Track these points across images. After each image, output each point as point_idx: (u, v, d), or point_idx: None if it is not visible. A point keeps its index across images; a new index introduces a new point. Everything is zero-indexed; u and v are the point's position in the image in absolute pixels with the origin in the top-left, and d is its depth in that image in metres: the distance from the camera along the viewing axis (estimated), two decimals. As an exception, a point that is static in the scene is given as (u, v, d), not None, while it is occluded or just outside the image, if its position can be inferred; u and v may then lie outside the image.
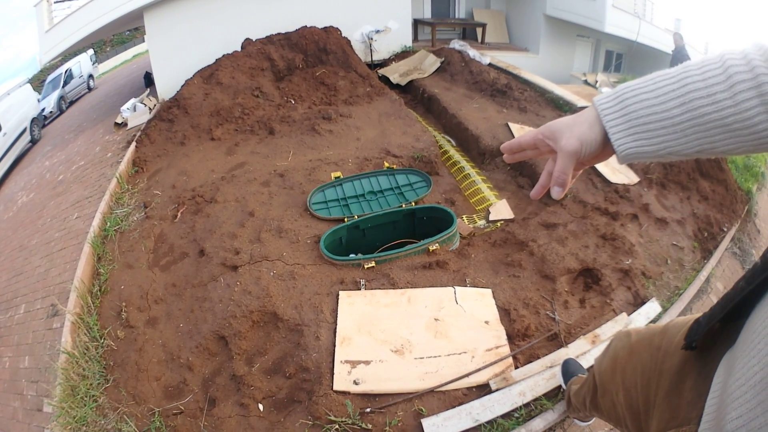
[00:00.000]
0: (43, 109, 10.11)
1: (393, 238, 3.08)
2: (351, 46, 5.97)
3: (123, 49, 18.41)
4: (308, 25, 5.83)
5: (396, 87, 5.95)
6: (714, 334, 0.74)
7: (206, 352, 2.36)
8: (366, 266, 2.66)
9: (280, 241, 2.92)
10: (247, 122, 4.77)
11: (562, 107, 4.81)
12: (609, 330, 2.27)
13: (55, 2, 7.04)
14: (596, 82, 7.41)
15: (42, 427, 2.46)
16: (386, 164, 3.68)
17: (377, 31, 6.48)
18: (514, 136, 4.05)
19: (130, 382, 2.31)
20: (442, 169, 3.99)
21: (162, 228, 3.43)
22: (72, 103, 11.49)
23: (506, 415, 1.96)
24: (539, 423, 1.93)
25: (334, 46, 5.67)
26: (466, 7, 8.82)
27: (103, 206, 3.86)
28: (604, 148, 0.64)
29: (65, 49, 6.73)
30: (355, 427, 1.89)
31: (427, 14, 8.59)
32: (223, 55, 5.52)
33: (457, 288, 2.48)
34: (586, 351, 2.17)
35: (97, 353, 2.49)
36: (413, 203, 3.25)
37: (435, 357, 2.13)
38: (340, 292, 2.48)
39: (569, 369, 1.99)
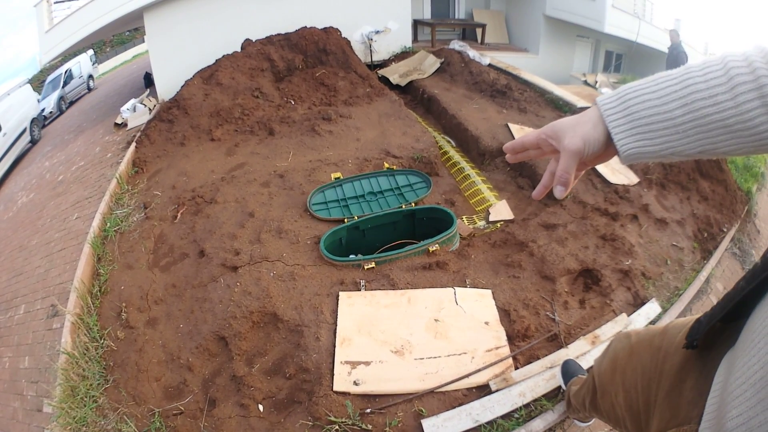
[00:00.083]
0: (43, 110, 10.11)
1: (393, 238, 3.08)
2: (351, 47, 5.97)
3: (123, 49, 18.42)
4: (308, 26, 5.83)
5: (396, 88, 5.95)
6: (715, 334, 0.74)
7: (206, 352, 2.36)
8: (366, 267, 2.67)
9: (280, 241, 2.93)
10: (247, 123, 4.77)
11: (562, 108, 4.81)
12: (609, 331, 2.27)
13: (55, 2, 7.04)
14: (596, 82, 7.41)
15: (42, 427, 2.46)
16: (386, 165, 3.68)
17: (377, 32, 6.48)
18: (513, 137, 4.06)
19: (130, 382, 2.31)
20: (442, 169, 3.99)
21: (162, 228, 3.43)
22: (72, 103, 11.49)
23: (506, 416, 1.96)
24: (539, 423, 1.93)
25: (333, 47, 5.67)
26: (466, 8, 8.83)
27: (103, 207, 3.86)
28: (607, 148, 0.65)
29: (65, 49, 6.73)
30: (355, 427, 1.89)
31: (427, 15, 8.59)
32: (223, 56, 5.52)
33: (457, 289, 2.48)
34: (586, 352, 2.17)
35: (97, 354, 2.49)
36: (413, 204, 3.26)
37: (435, 358, 2.13)
38: (340, 293, 2.48)
39: (569, 370, 1.99)
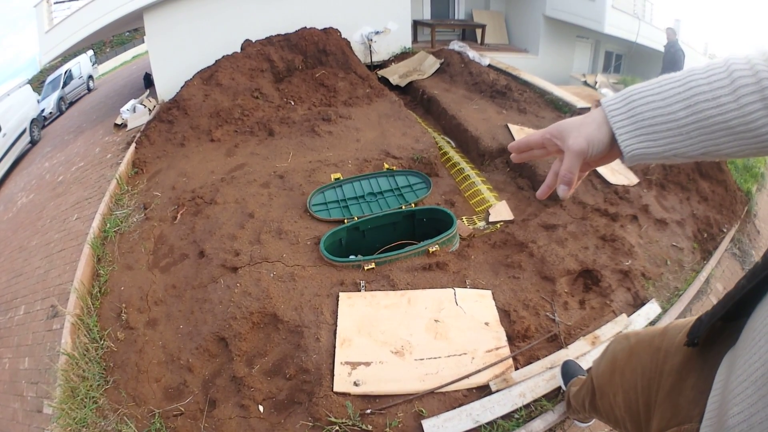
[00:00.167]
0: (42, 110, 10.10)
1: (393, 239, 3.08)
2: (350, 48, 5.98)
3: (123, 50, 18.40)
4: (308, 26, 5.84)
5: (395, 88, 5.95)
6: (715, 333, 0.75)
7: (206, 353, 2.36)
8: (366, 268, 2.67)
9: (280, 242, 2.93)
10: (247, 123, 4.77)
11: (562, 108, 4.82)
12: (609, 331, 2.27)
13: (55, 3, 7.04)
14: (596, 83, 7.42)
15: (42, 428, 2.46)
16: (386, 165, 3.68)
17: (377, 33, 6.48)
18: (513, 138, 4.06)
19: (130, 383, 2.31)
20: (442, 170, 3.99)
21: (162, 229, 3.43)
22: (72, 104, 11.49)
23: (506, 416, 1.96)
24: (539, 424, 1.94)
25: (333, 48, 5.67)
26: (466, 8, 8.83)
27: (103, 207, 3.86)
28: (611, 149, 0.65)
29: (65, 49, 6.73)
30: (356, 428, 1.89)
31: (427, 15, 8.60)
32: (223, 56, 5.52)
33: (457, 289, 2.48)
34: (586, 352, 2.17)
35: (97, 354, 2.49)
36: (413, 204, 3.26)
37: (435, 358, 2.13)
38: (340, 294, 2.49)
39: (569, 370, 1.99)
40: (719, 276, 2.91)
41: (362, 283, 2.56)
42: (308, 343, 2.21)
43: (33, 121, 9.24)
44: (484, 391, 2.04)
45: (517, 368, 2.12)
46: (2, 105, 8.71)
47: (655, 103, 0.60)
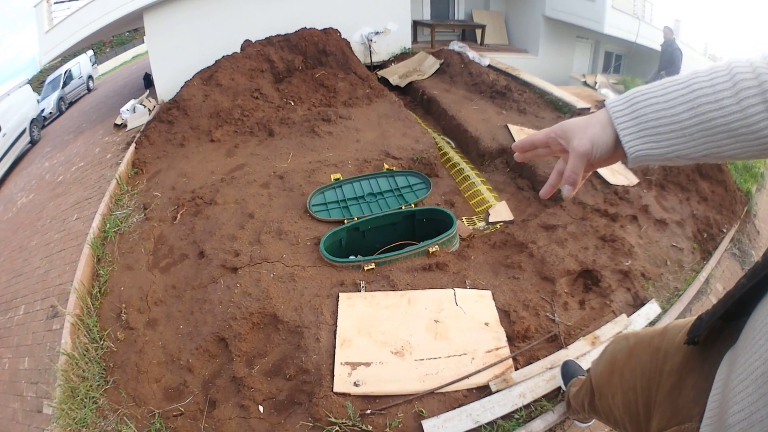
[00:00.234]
0: (42, 110, 10.09)
1: (393, 239, 3.08)
2: (350, 48, 5.98)
3: (122, 50, 18.39)
4: (308, 27, 5.83)
5: (395, 89, 5.95)
6: (715, 332, 0.75)
7: (206, 353, 2.36)
8: (366, 268, 2.67)
9: (279, 242, 2.93)
10: (247, 124, 4.77)
11: (562, 109, 4.82)
12: (609, 331, 2.28)
13: (55, 3, 7.03)
14: (595, 83, 7.41)
15: (42, 428, 2.45)
16: (386, 166, 3.68)
17: (376, 33, 6.48)
18: (513, 138, 4.06)
19: (130, 383, 2.31)
20: (442, 170, 3.99)
21: (162, 229, 3.43)
22: (71, 104, 11.48)
23: (506, 417, 1.96)
24: (539, 424, 1.94)
25: (333, 48, 5.67)
26: (465, 9, 8.83)
27: (103, 207, 3.86)
28: (615, 150, 0.66)
29: (65, 50, 6.73)
30: (356, 428, 1.89)
31: (427, 15, 8.60)
32: (223, 57, 5.52)
33: (457, 290, 2.49)
34: (586, 352, 2.17)
35: (97, 355, 2.49)
36: (413, 205, 3.26)
37: (435, 358, 2.13)
38: (340, 294, 2.49)
39: (569, 370, 1.99)
40: (719, 276, 2.92)
41: (362, 283, 2.56)
42: (308, 344, 2.21)
43: (33, 121, 9.24)
44: (484, 391, 2.04)
45: (517, 368, 2.12)
46: (2, 105, 8.70)
47: (659, 105, 0.61)
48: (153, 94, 6.65)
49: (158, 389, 2.27)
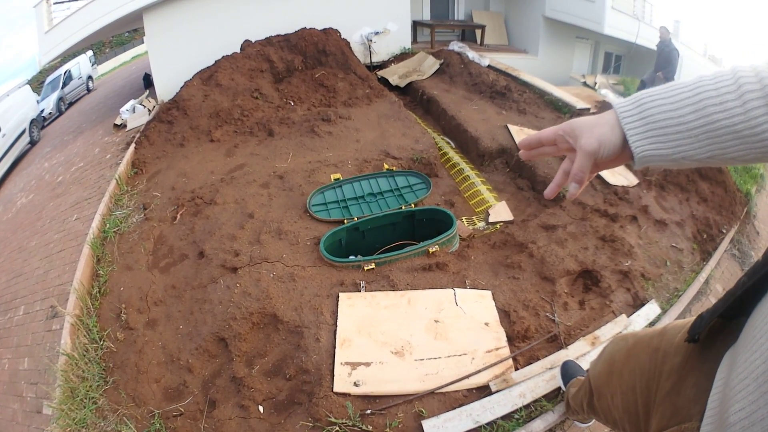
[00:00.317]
0: (42, 111, 10.10)
1: (392, 239, 3.08)
2: (350, 48, 5.98)
3: (122, 50, 18.39)
4: (307, 27, 5.84)
5: (395, 89, 5.95)
6: (716, 331, 0.76)
7: (206, 353, 2.35)
8: (366, 268, 2.67)
9: (279, 242, 2.93)
10: (247, 124, 4.77)
11: (561, 109, 4.82)
12: (608, 331, 2.28)
13: (54, 3, 7.03)
14: (595, 83, 7.43)
15: (42, 429, 2.45)
16: (386, 166, 3.68)
17: (376, 33, 6.49)
18: (513, 138, 4.06)
19: (129, 383, 2.31)
20: (442, 170, 3.99)
21: (161, 229, 3.43)
22: (71, 104, 11.48)
23: (506, 417, 1.96)
24: (539, 424, 1.94)
25: (333, 48, 5.67)
26: (465, 9, 8.84)
27: (103, 208, 3.86)
28: (622, 151, 0.67)
29: (65, 50, 6.73)
30: (356, 428, 1.89)
31: (426, 16, 8.60)
32: (223, 57, 5.52)
33: (457, 290, 2.49)
34: (586, 352, 2.17)
35: (97, 355, 2.49)
36: (413, 205, 3.26)
37: (435, 359, 2.13)
38: (340, 294, 2.49)
39: (569, 370, 1.99)
40: (719, 277, 2.92)
41: (362, 283, 2.56)
42: (308, 344, 2.21)
43: (32, 121, 9.24)
44: (484, 391, 2.04)
45: (517, 368, 2.12)
46: (2, 105, 8.71)
47: (666, 107, 0.62)
48: (153, 95, 6.65)
49: (158, 389, 2.27)
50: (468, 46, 6.49)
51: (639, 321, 2.38)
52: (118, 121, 6.31)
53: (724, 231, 3.20)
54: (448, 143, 4.52)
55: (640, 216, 3.05)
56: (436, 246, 2.77)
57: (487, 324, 2.30)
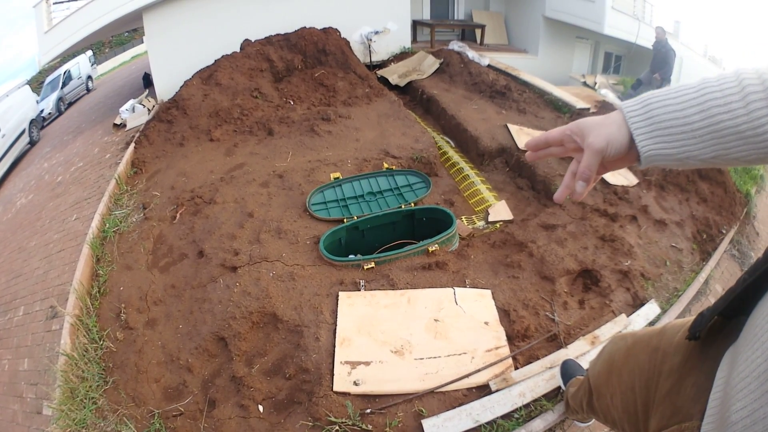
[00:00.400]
0: (41, 111, 10.09)
1: (392, 239, 3.08)
2: (350, 47, 5.98)
3: (122, 50, 18.36)
4: (307, 26, 5.84)
5: (395, 88, 5.95)
6: (716, 330, 0.76)
7: (206, 353, 2.35)
8: (365, 267, 2.67)
9: (279, 242, 2.92)
10: (246, 123, 4.77)
11: (561, 109, 4.82)
12: (608, 331, 2.28)
13: (54, 3, 7.02)
14: (595, 83, 7.42)
15: (42, 429, 2.45)
16: (385, 165, 3.68)
17: (376, 32, 6.49)
18: (513, 138, 4.06)
19: (129, 383, 2.31)
20: (441, 170, 3.99)
21: (161, 229, 3.43)
22: (71, 104, 11.46)
23: (506, 416, 1.96)
24: (539, 424, 1.94)
25: (333, 47, 5.67)
26: (465, 9, 8.84)
27: (102, 207, 3.85)
28: (629, 152, 0.69)
29: (64, 50, 6.72)
30: (356, 428, 1.89)
31: (426, 15, 8.60)
32: (222, 56, 5.52)
33: (457, 289, 2.49)
34: (586, 352, 2.17)
35: (97, 355, 2.49)
36: (412, 204, 3.26)
37: (435, 358, 2.13)
38: (340, 293, 2.48)
39: (568, 370, 1.99)
40: (718, 277, 2.92)
41: (362, 282, 2.56)
42: (308, 343, 2.21)
43: (32, 121, 9.23)
44: (483, 390, 2.04)
45: (516, 368, 2.12)
46: (1, 105, 8.70)
47: (672, 108, 0.63)
48: (152, 94, 6.64)
49: (158, 389, 2.27)
50: (468, 46, 6.48)
51: (638, 321, 2.38)
52: (117, 121, 6.31)
53: (724, 231, 3.20)
54: (448, 142, 4.52)
55: (640, 216, 3.05)
56: (436, 245, 2.77)
57: (486, 323, 2.30)
